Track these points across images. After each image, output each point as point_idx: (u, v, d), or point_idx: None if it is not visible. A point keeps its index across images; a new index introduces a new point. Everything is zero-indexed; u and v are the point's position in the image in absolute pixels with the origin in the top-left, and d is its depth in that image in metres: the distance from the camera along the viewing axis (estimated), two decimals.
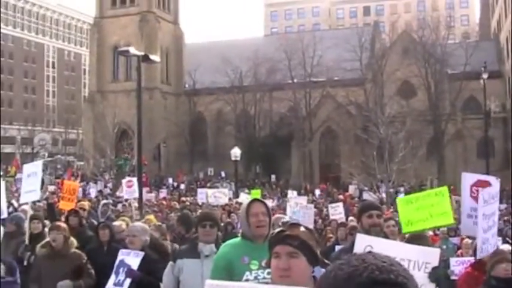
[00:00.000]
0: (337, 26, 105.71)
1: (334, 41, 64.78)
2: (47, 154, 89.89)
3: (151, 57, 22.41)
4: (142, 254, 7.21)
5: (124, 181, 20.06)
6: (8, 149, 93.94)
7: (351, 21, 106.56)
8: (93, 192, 36.42)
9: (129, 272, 7.13)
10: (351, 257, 1.55)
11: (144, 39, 67.34)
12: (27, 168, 11.22)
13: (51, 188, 30.43)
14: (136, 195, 18.81)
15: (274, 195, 40.65)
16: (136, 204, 17.93)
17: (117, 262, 7.29)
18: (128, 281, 7.10)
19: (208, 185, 49.24)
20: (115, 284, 7.15)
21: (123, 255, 7.34)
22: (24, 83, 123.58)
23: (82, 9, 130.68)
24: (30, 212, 10.84)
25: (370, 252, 1.60)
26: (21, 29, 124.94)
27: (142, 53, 21.40)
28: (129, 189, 18.84)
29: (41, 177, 11.33)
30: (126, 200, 21.15)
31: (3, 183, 12.46)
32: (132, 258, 7.24)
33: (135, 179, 19.64)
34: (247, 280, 4.36)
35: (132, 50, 20.92)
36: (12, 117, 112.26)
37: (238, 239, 5.05)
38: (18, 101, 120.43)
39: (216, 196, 23.58)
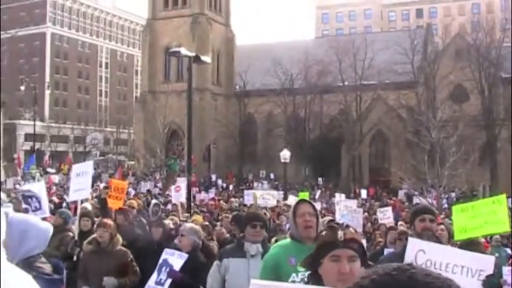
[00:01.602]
0: (389, 28, 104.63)
1: (386, 43, 64.19)
2: (98, 153, 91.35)
3: (203, 58, 22.50)
4: (186, 256, 7.22)
5: (173, 187, 20.24)
6: (61, 147, 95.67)
7: (403, 24, 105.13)
8: (144, 191, 36.70)
9: (171, 273, 7.15)
10: (407, 273, 1.36)
11: (195, 40, 67.77)
12: (77, 167, 11.32)
13: (102, 184, 30.76)
14: (184, 199, 18.92)
15: (323, 198, 40.36)
16: (180, 205, 18.04)
17: (160, 261, 7.33)
18: (169, 281, 7.13)
19: (257, 186, 49.32)
20: (156, 283, 7.20)
21: (168, 254, 7.38)
22: (78, 83, 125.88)
23: (135, 11, 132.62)
24: (89, 209, 11.03)
25: (409, 264, 1.41)
26: (76, 31, 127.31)
27: (194, 54, 21.47)
28: (177, 193, 19.02)
29: (91, 176, 11.44)
30: (169, 201, 21.26)
31: (43, 183, 12.60)
32: (176, 259, 7.27)
33: (183, 184, 19.75)
34: (293, 282, 4.29)
35: (183, 50, 21.01)
36: (66, 116, 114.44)
37: (287, 240, 5.03)
38: (72, 100, 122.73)
39: (264, 198, 23.52)
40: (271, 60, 66.70)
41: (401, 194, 41.76)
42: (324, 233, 3.26)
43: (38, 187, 12.19)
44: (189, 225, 8.20)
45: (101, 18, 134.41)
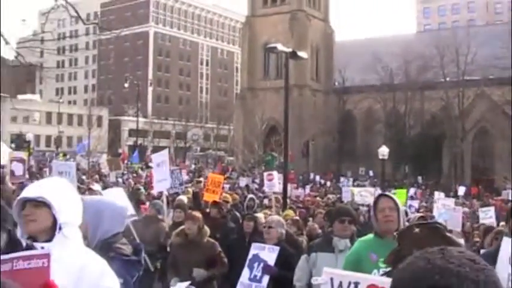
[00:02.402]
0: (495, 21, 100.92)
1: (491, 36, 62.09)
2: (199, 149, 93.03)
3: (299, 53, 22.36)
4: (277, 248, 7.15)
5: (265, 174, 20.34)
6: (163, 142, 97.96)
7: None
8: (242, 186, 36.96)
9: (267, 269, 7.06)
10: (420, 256, 1.40)
11: (294, 37, 67.86)
12: (156, 158, 11.56)
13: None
14: (277, 189, 18.96)
15: (423, 196, 39.54)
16: (275, 198, 18.04)
17: (250, 256, 7.21)
18: (267, 278, 7.01)
19: (355, 184, 48.84)
20: (251, 280, 7.08)
21: (257, 249, 7.26)
22: (179, 80, 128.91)
23: (235, 9, 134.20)
24: (185, 200, 11.27)
25: (442, 249, 1.41)
26: (177, 29, 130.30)
27: (290, 50, 21.46)
28: (270, 182, 19.05)
29: (168, 165, 11.65)
30: (267, 197, 21.32)
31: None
32: (268, 254, 7.15)
33: (275, 172, 19.86)
34: None
35: (280, 46, 20.98)
36: (168, 112, 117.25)
37: (370, 236, 4.94)
38: (173, 97, 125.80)
39: (362, 195, 23.26)
40: (370, 56, 65.92)
41: (505, 193, 40.25)
42: (420, 231, 3.08)
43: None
44: (276, 217, 8.22)
45: (201, 17, 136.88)
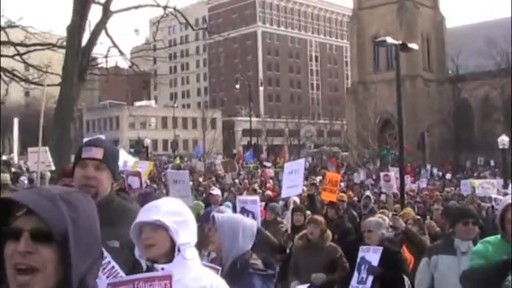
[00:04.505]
0: None
1: None
2: (312, 145, 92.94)
3: (410, 45, 21.87)
4: (381, 249, 7.18)
5: (381, 174, 19.96)
6: (277, 141, 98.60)
7: None
8: (358, 182, 36.47)
9: (370, 269, 7.13)
10: None
11: (403, 27, 66.70)
12: (289, 166, 11.58)
13: (319, 178, 31.16)
14: (395, 189, 18.58)
15: None
16: (392, 193, 17.65)
17: (358, 259, 7.33)
18: (370, 278, 7.11)
19: (475, 174, 47.29)
20: (358, 282, 7.21)
21: (363, 252, 7.36)
22: (289, 78, 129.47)
23: (341, 3, 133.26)
24: (298, 204, 11.26)
25: None
26: (284, 27, 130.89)
27: (400, 42, 20.99)
28: (387, 183, 18.69)
29: (302, 173, 11.63)
30: (383, 192, 20.96)
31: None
32: (371, 255, 7.24)
33: (392, 173, 19.42)
34: (507, 286, 3.97)
35: (390, 39, 20.58)
36: (280, 111, 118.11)
37: (497, 237, 4.65)
38: (284, 95, 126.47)
39: (483, 187, 22.43)
40: (484, 41, 63.51)
41: None
42: None
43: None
44: (374, 219, 8.04)
45: (308, 13, 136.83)
